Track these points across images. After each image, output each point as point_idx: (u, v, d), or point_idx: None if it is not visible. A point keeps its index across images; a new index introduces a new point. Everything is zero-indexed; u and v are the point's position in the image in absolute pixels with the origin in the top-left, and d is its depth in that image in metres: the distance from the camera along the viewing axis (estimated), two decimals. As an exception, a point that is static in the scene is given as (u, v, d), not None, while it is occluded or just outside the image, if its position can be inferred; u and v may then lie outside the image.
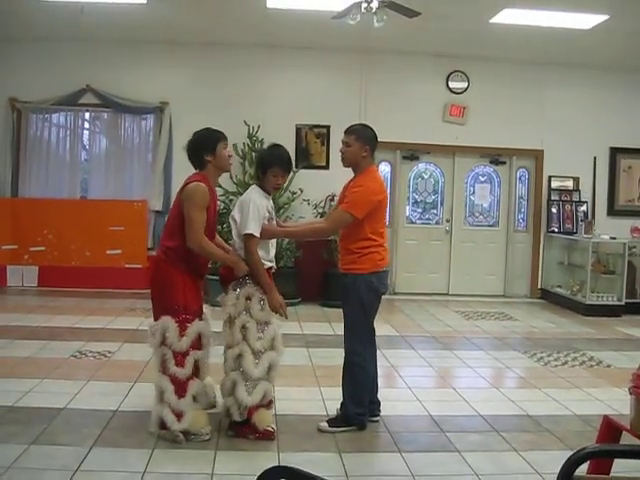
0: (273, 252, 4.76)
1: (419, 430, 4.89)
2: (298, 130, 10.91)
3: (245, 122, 10.30)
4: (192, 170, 4.62)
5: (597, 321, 9.53)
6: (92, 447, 4.25)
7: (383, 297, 4.93)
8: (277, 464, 4.05)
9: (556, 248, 11.41)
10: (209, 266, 4.85)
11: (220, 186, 8.86)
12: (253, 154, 10.25)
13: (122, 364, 6.33)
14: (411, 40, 10.07)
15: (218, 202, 5.08)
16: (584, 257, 10.46)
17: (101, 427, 4.61)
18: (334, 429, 4.73)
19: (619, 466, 3.22)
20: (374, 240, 4.75)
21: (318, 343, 7.56)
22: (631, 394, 3.35)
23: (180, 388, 4.36)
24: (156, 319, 4.47)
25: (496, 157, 11.55)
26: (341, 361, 4.88)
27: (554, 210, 11.35)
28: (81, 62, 10.49)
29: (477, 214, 11.78)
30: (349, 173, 4.94)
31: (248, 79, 10.73)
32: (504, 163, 11.59)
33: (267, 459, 4.14)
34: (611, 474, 3.11)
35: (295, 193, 10.21)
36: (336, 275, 5.30)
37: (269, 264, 4.65)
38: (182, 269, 4.45)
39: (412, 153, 11.39)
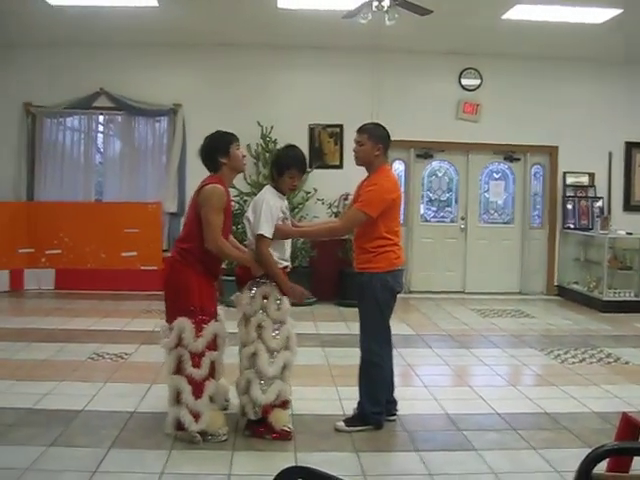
0: (289, 252, 4.77)
1: (436, 429, 4.87)
2: (311, 130, 10.91)
3: (258, 123, 10.32)
4: (206, 171, 4.64)
5: (614, 317, 9.47)
6: (110, 448, 4.27)
7: (399, 296, 4.92)
8: (294, 464, 4.05)
9: (572, 244, 11.34)
10: (223, 267, 4.86)
11: (234, 187, 8.88)
12: (267, 154, 10.28)
13: (139, 366, 6.36)
14: (423, 38, 10.05)
15: (232, 203, 5.10)
16: (600, 253, 10.39)
17: (119, 429, 4.63)
18: (351, 428, 4.73)
19: (639, 464, 3.20)
20: (389, 239, 4.74)
21: (334, 342, 7.55)
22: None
23: (197, 389, 4.37)
24: (170, 320, 4.48)
25: (510, 154, 11.50)
26: (357, 360, 4.87)
27: (569, 206, 11.29)
28: (94, 66, 10.55)
29: (492, 211, 11.74)
30: (363, 172, 4.93)
31: (260, 80, 10.74)
32: (518, 160, 11.55)
33: (284, 459, 4.14)
34: (630, 472, 3.09)
35: (309, 193, 10.21)
36: (351, 274, 5.29)
37: (285, 263, 4.67)
38: (197, 270, 4.46)
39: (426, 151, 11.37)
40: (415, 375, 6.39)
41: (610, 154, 11.38)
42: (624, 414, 3.53)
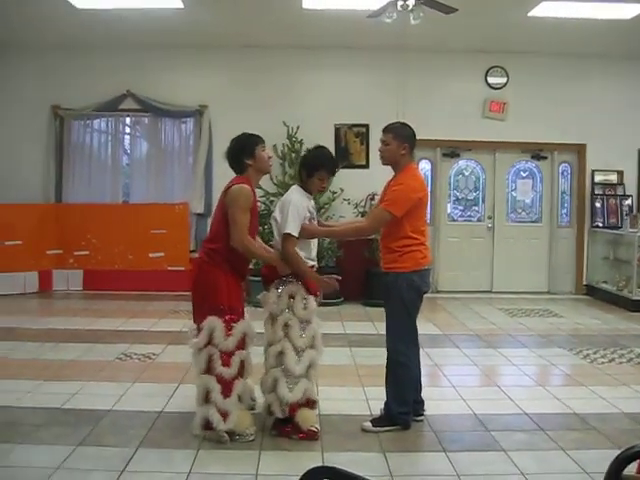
0: (315, 251, 4.77)
1: (464, 429, 4.85)
2: (337, 130, 10.92)
3: (284, 123, 10.34)
4: (232, 171, 4.65)
5: (644, 317, 9.38)
6: (138, 448, 4.29)
7: (425, 295, 4.90)
8: (321, 464, 4.05)
9: (601, 243, 11.23)
10: (250, 267, 4.88)
11: (260, 187, 8.89)
12: (293, 155, 10.30)
13: (166, 366, 6.39)
14: (448, 37, 10.01)
15: (259, 203, 5.11)
16: (630, 252, 10.28)
17: (146, 428, 4.66)
18: (378, 429, 4.71)
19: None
20: (415, 238, 4.72)
21: (361, 342, 7.54)
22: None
23: (226, 388, 4.39)
24: (198, 321, 4.50)
25: (537, 152, 11.42)
26: (384, 360, 4.86)
27: (598, 204, 11.20)
28: (121, 68, 10.65)
29: (519, 210, 11.67)
30: (389, 172, 4.92)
31: (286, 80, 10.77)
32: (546, 158, 11.46)
33: (311, 459, 4.14)
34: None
35: (335, 193, 10.21)
36: (378, 274, 5.28)
37: (311, 263, 4.67)
38: (225, 270, 4.48)
39: (452, 150, 11.33)
40: (442, 375, 6.36)
41: (639, 151, 11.26)
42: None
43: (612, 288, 10.61)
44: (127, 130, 11.33)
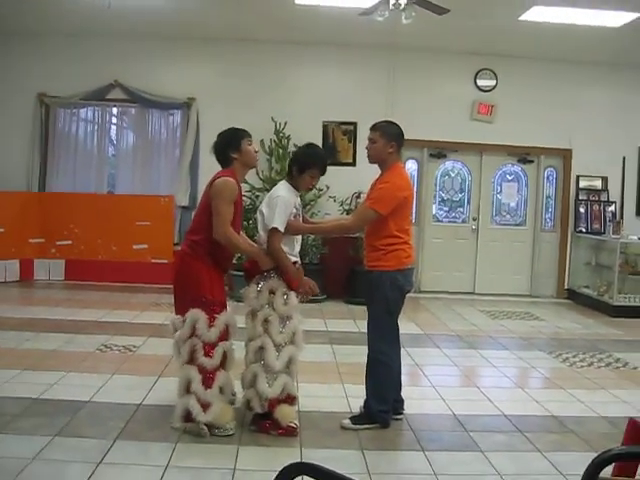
0: (298, 248, 4.77)
1: (443, 429, 4.86)
2: (325, 127, 10.91)
3: (272, 118, 10.31)
4: (218, 165, 4.65)
5: (624, 322, 9.42)
6: (116, 440, 4.28)
7: (408, 295, 4.91)
8: (299, 460, 4.05)
9: (583, 248, 11.29)
10: (233, 261, 4.87)
11: (246, 182, 8.89)
12: (280, 150, 10.28)
13: (147, 358, 6.37)
14: (439, 37, 10.01)
15: (244, 198, 5.10)
16: (612, 257, 10.34)
17: (125, 420, 4.64)
18: (357, 426, 4.72)
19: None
20: (399, 237, 4.72)
21: (342, 340, 7.54)
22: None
23: (207, 379, 4.40)
24: (180, 312, 4.50)
25: (524, 156, 11.46)
26: (365, 358, 4.87)
27: (582, 210, 11.25)
28: (109, 57, 10.58)
29: (504, 213, 11.71)
30: (376, 170, 4.92)
31: (275, 75, 10.74)
32: (532, 162, 11.50)
33: (289, 455, 4.13)
34: (637, 477, 3.07)
35: (321, 190, 10.20)
36: (361, 272, 5.29)
37: (294, 259, 4.66)
38: (208, 262, 4.48)
39: (439, 151, 11.35)
40: (423, 375, 6.37)
41: (624, 158, 11.32)
42: (631, 419, 3.51)
43: (593, 293, 10.67)
44: (114, 120, 11.27)
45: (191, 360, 4.42)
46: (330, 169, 9.17)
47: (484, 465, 4.18)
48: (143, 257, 10.51)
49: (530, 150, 11.33)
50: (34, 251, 10.47)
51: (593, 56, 10.63)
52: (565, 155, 11.35)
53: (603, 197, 11.32)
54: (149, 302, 9.13)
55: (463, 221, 11.61)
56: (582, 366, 6.91)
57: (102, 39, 10.42)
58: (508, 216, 11.71)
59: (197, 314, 4.39)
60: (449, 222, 11.62)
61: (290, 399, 4.62)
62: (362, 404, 4.88)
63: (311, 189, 4.97)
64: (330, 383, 5.84)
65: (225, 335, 4.49)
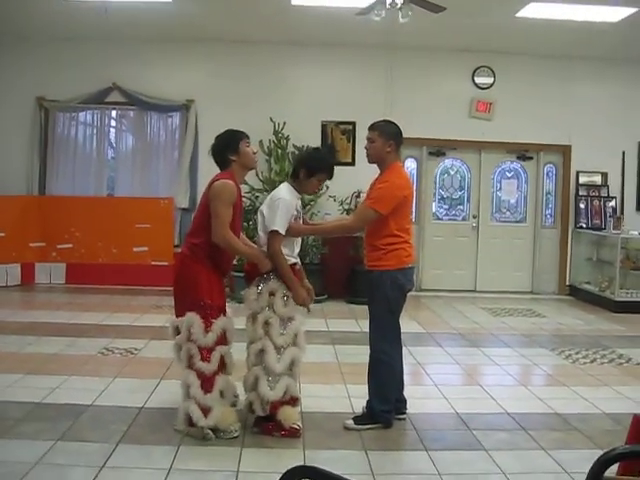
0: (297, 249, 4.75)
1: (446, 428, 4.85)
2: (324, 126, 10.90)
3: (271, 119, 10.30)
4: (218, 167, 4.63)
5: (626, 318, 9.41)
6: (118, 444, 4.27)
7: (409, 294, 4.90)
8: (303, 462, 4.07)
9: (584, 244, 11.28)
10: (234, 263, 4.86)
11: (246, 183, 8.88)
12: (279, 151, 10.27)
13: (148, 361, 6.36)
14: (436, 36, 10.00)
15: (243, 199, 5.09)
16: (613, 253, 10.33)
17: (127, 424, 4.63)
18: (360, 427, 4.71)
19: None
20: (400, 236, 4.72)
21: (344, 340, 7.53)
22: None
23: (207, 383, 4.38)
24: (179, 315, 4.49)
25: (523, 153, 11.45)
26: (367, 358, 4.86)
27: (582, 206, 11.25)
28: (107, 60, 10.57)
29: (504, 210, 11.70)
30: (375, 169, 4.91)
31: (274, 76, 10.74)
32: (531, 159, 11.50)
33: (293, 457, 4.14)
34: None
35: (321, 190, 10.15)
36: (362, 272, 5.27)
37: (293, 260, 4.65)
38: (207, 265, 4.46)
39: (438, 149, 11.34)
40: (425, 374, 6.36)
41: (623, 153, 11.32)
42: (636, 416, 3.50)
43: (595, 289, 10.66)
44: (113, 123, 11.26)
45: (189, 365, 4.41)
46: (330, 169, 8.98)
47: (488, 464, 4.17)
48: (143, 259, 10.50)
49: (529, 147, 11.32)
50: (35, 255, 10.47)
51: (591, 51, 10.63)
52: (564, 151, 11.34)
53: (603, 193, 11.32)
54: (150, 304, 9.12)
55: (463, 219, 11.61)
56: (585, 363, 6.89)
57: (100, 42, 10.41)
58: (508, 213, 11.70)
59: (192, 318, 4.37)
60: (449, 220, 11.62)
61: (293, 400, 4.61)
62: (365, 404, 4.87)
63: (316, 193, 4.95)
64: (332, 383, 5.83)
65: (222, 340, 4.47)
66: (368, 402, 4.83)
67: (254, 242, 4.85)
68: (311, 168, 4.65)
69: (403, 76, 10.86)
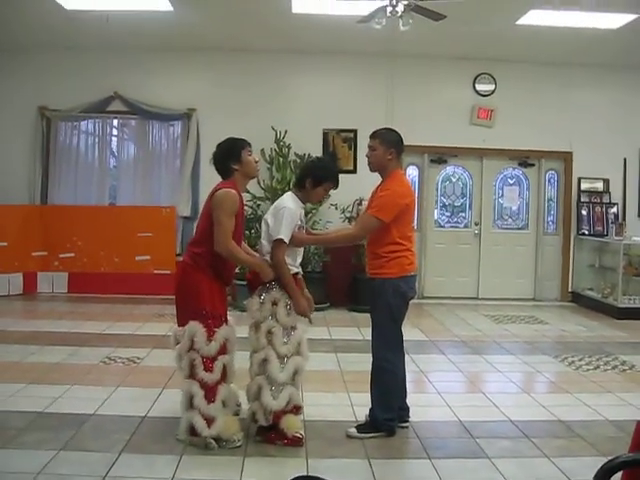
0: (300, 259, 4.75)
1: (449, 436, 4.84)
2: (325, 134, 10.91)
3: (272, 127, 10.31)
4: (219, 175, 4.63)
5: (629, 324, 9.39)
6: (121, 453, 4.26)
7: (412, 301, 4.89)
8: (305, 470, 4.05)
9: (587, 251, 11.28)
10: (236, 271, 4.86)
11: (248, 192, 8.89)
12: (280, 159, 10.28)
13: (151, 370, 6.36)
14: (437, 43, 10.02)
15: (245, 208, 5.09)
16: (615, 259, 10.33)
17: (130, 433, 4.63)
18: (363, 435, 4.70)
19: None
20: (402, 244, 4.71)
21: (346, 348, 7.52)
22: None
23: (210, 393, 4.36)
24: (182, 324, 4.48)
25: (525, 159, 11.46)
26: (369, 366, 4.85)
27: (584, 212, 11.24)
28: (109, 70, 10.60)
29: (506, 217, 11.70)
30: (377, 177, 4.92)
31: (275, 84, 10.76)
32: (533, 165, 11.50)
33: (295, 465, 4.13)
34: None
35: (328, 197, 10.15)
36: (364, 280, 5.26)
37: (295, 270, 4.64)
38: (209, 275, 4.45)
39: (440, 156, 11.35)
40: (428, 381, 6.35)
41: (625, 160, 11.31)
42: (639, 422, 3.49)
43: (597, 295, 10.65)
44: (114, 132, 11.29)
45: (191, 374, 4.40)
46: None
47: (491, 472, 4.16)
48: (146, 268, 10.50)
49: (530, 153, 11.33)
50: (37, 264, 10.48)
51: (591, 58, 10.64)
52: (566, 158, 11.34)
53: (605, 199, 11.32)
54: (152, 313, 9.13)
55: (465, 226, 11.61)
56: (588, 369, 6.88)
57: (101, 52, 10.44)
58: (510, 220, 11.70)
59: (195, 327, 4.36)
60: (451, 227, 11.62)
61: (295, 409, 4.60)
62: (367, 412, 4.86)
63: (321, 202, 4.96)
64: (335, 392, 5.82)
65: (224, 349, 4.45)
66: (371, 410, 4.81)
67: (256, 250, 4.85)
68: (318, 177, 4.65)
69: (404, 84, 10.88)
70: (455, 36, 9.60)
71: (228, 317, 4.60)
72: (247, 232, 8.66)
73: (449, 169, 11.54)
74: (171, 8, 8.69)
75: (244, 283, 4.78)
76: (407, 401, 5.02)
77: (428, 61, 10.82)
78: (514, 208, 11.71)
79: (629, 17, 8.54)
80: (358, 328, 8.62)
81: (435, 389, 6.06)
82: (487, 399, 5.75)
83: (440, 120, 10.90)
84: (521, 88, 11.06)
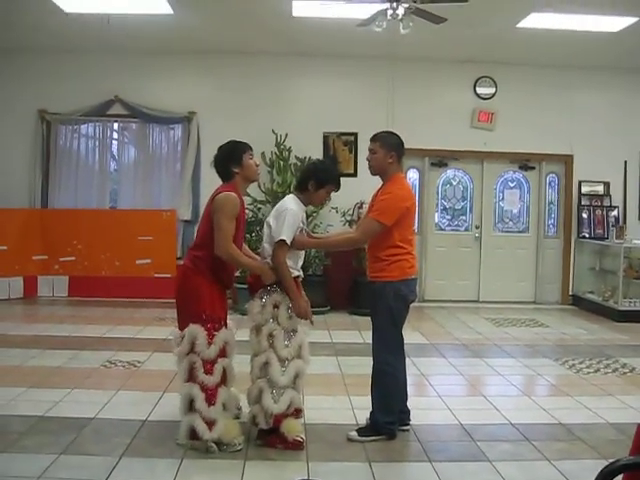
0: (301, 262, 4.75)
1: (450, 439, 4.83)
2: (325, 138, 10.91)
3: (273, 131, 10.32)
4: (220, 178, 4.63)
5: (630, 327, 9.39)
6: (121, 457, 4.25)
7: (412, 304, 4.88)
8: (306, 474, 4.05)
9: (587, 254, 11.28)
10: (236, 275, 4.85)
11: (249, 195, 8.89)
12: (281, 163, 10.28)
13: (151, 373, 6.35)
14: (438, 46, 10.03)
15: (246, 211, 5.08)
16: (616, 262, 10.32)
17: (130, 437, 4.62)
18: (363, 438, 4.69)
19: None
20: (402, 247, 4.71)
21: (347, 351, 7.51)
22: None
23: (210, 396, 4.36)
24: (182, 328, 4.48)
25: (525, 163, 11.46)
26: (370, 370, 4.84)
27: (585, 215, 11.24)
28: (109, 73, 10.61)
29: (507, 220, 11.69)
30: (377, 180, 4.91)
31: (275, 88, 10.77)
32: (533, 168, 11.50)
33: (296, 469, 4.13)
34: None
35: (329, 200, 10.15)
36: (365, 283, 5.26)
37: (296, 273, 4.64)
38: (209, 278, 4.45)
39: (440, 160, 11.35)
40: (429, 385, 6.35)
41: (625, 163, 11.32)
42: (639, 425, 3.48)
43: (598, 298, 10.64)
44: (115, 136, 11.29)
45: (190, 377, 4.39)
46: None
47: (492, 475, 4.15)
48: (146, 272, 10.49)
49: (531, 157, 11.33)
50: (37, 268, 10.47)
51: (592, 61, 10.65)
52: (566, 161, 11.35)
53: (605, 202, 11.32)
54: (153, 317, 9.12)
55: (466, 229, 11.60)
56: (588, 372, 6.88)
57: (101, 55, 10.45)
58: (511, 223, 11.70)
59: (195, 330, 4.36)
60: (452, 230, 11.61)
61: (296, 412, 4.60)
62: (368, 416, 4.86)
63: (323, 204, 4.96)
64: (336, 395, 5.81)
65: (224, 352, 4.45)
66: (371, 414, 4.81)
67: (257, 254, 4.85)
68: (320, 179, 4.65)
69: (405, 87, 10.89)
70: (456, 39, 9.61)
71: (228, 321, 4.61)
72: (248, 235, 8.65)
73: (450, 172, 11.54)
74: (171, 11, 8.69)
75: (245, 286, 4.78)
76: (408, 404, 5.02)
77: (429, 64, 10.83)
78: (515, 211, 11.71)
79: (630, 20, 8.55)
80: (359, 331, 8.62)
81: (436, 392, 6.05)
82: (488, 402, 5.75)
83: (441, 123, 10.91)
84: (522, 91, 11.06)
